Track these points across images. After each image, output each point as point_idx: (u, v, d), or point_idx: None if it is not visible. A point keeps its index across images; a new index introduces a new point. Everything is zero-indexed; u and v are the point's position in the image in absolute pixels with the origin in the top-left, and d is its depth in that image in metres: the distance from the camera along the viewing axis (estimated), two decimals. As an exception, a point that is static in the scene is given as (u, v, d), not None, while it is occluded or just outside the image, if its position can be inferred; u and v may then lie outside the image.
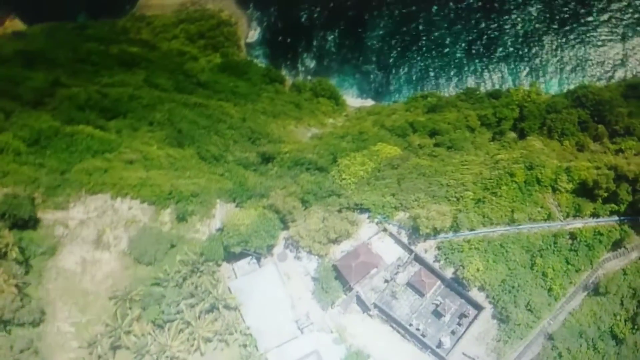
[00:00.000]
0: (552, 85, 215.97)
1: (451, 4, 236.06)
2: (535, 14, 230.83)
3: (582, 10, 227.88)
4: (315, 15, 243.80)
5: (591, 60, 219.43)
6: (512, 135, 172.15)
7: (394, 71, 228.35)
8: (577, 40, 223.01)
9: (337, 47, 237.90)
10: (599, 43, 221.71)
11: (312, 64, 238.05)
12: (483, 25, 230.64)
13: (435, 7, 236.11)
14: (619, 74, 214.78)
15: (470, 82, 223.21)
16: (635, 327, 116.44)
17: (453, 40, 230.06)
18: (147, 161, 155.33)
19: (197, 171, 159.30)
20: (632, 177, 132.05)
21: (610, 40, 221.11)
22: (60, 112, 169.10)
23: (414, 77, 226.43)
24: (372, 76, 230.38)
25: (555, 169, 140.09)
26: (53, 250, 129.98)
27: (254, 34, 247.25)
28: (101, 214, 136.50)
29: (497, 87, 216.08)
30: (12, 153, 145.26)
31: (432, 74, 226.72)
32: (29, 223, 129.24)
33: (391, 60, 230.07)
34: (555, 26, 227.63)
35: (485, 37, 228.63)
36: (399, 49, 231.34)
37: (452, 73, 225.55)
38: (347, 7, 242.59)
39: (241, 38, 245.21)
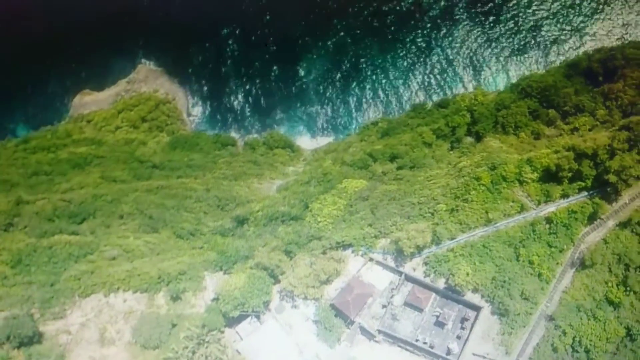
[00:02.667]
0: (499, 80, 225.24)
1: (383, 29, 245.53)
2: (462, 17, 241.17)
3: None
4: (248, 71, 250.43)
5: (529, 45, 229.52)
6: (469, 140, 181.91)
7: (338, 106, 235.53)
8: (509, 29, 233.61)
9: (277, 96, 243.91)
10: (531, 26, 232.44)
11: (257, 119, 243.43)
12: (419, 40, 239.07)
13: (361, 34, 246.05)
14: (559, 55, 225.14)
15: (418, 97, 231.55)
16: (628, 288, 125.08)
17: (391, 61, 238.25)
18: (129, 253, 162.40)
19: (177, 250, 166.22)
20: (591, 153, 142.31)
21: (542, 21, 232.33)
22: (32, 229, 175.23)
23: (359, 106, 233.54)
24: (318, 115, 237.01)
25: (517, 163, 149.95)
26: (62, 358, 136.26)
27: (194, 105, 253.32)
28: (98, 313, 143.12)
29: (443, 96, 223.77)
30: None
31: (376, 99, 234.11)
32: (34, 338, 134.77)
33: (333, 95, 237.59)
34: (483, 20, 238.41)
35: (421, 51, 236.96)
36: (338, 82, 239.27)
37: (396, 93, 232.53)
38: (276, 56, 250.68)
39: (182, 112, 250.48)
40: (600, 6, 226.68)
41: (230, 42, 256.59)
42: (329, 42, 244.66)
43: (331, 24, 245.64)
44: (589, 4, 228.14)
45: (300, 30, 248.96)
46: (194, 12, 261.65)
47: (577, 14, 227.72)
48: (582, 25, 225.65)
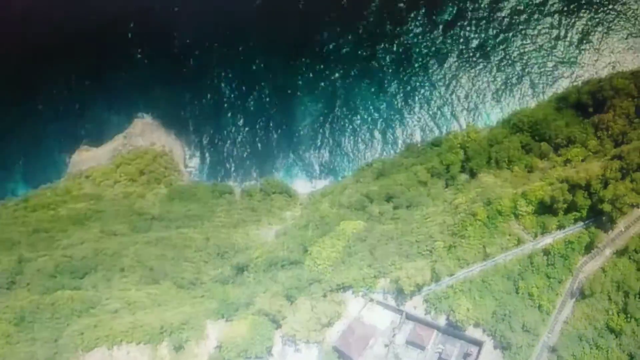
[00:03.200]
0: (491, 117, 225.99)
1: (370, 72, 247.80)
2: (450, 56, 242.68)
3: (491, 33, 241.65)
4: (243, 120, 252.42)
5: (517, 80, 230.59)
6: (464, 176, 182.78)
7: (333, 149, 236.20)
8: (498, 65, 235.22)
9: (273, 143, 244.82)
10: (519, 60, 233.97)
11: (253, 166, 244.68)
12: (410, 80, 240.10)
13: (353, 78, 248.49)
14: (548, 87, 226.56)
15: (411, 137, 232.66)
16: (629, 315, 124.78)
17: (383, 103, 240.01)
18: (130, 305, 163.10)
19: (179, 300, 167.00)
20: (584, 183, 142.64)
21: (529, 55, 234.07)
22: (34, 286, 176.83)
23: (353, 149, 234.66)
24: (314, 160, 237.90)
25: (512, 197, 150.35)
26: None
27: (190, 156, 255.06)
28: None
29: (436, 135, 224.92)
30: (2, 337, 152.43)
31: (370, 140, 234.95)
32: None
33: (327, 139, 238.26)
34: (472, 56, 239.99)
35: (412, 92, 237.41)
36: (332, 126, 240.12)
37: (389, 134, 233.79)
38: (270, 103, 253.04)
39: (179, 163, 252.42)
40: (586, 37, 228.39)
41: (223, 92, 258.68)
42: (322, 86, 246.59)
43: (324, 67, 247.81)
44: (575, 35, 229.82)
45: (293, 75, 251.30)
46: (188, 63, 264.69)
47: (563, 46, 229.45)
48: (569, 56, 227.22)
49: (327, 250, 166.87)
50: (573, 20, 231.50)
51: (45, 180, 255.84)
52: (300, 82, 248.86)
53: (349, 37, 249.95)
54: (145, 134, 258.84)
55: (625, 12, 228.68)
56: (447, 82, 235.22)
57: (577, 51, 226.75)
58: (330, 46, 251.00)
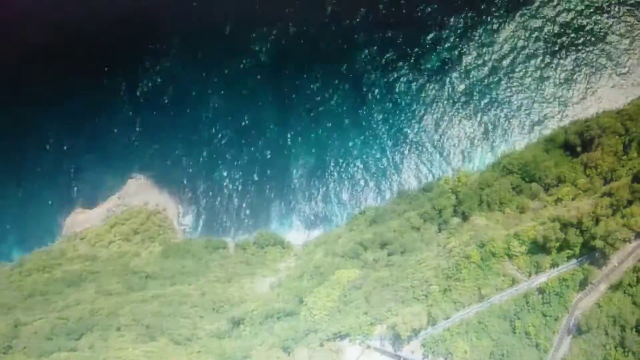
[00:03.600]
0: (480, 161, 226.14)
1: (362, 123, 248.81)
2: (435, 100, 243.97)
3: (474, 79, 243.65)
4: (234, 175, 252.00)
5: (504, 122, 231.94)
6: (456, 220, 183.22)
7: (325, 198, 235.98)
8: (484, 108, 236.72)
9: (265, 196, 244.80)
10: (505, 102, 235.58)
11: (246, 220, 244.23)
12: (402, 128, 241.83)
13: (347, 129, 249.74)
14: (534, 127, 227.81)
15: (402, 184, 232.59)
16: (626, 349, 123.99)
17: (373, 151, 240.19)
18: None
19: (176, 357, 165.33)
20: (576, 221, 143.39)
21: (515, 96, 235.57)
22: (31, 349, 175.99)
23: (346, 197, 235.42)
24: (306, 210, 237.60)
25: (504, 238, 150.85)
26: None
27: (184, 213, 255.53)
28: None
29: (427, 180, 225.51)
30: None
31: (361, 188, 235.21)
32: None
33: (319, 189, 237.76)
34: (456, 100, 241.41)
35: (405, 139, 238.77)
36: (323, 176, 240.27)
37: (380, 182, 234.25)
38: (260, 157, 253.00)
39: (173, 220, 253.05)
40: (571, 77, 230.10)
41: (216, 147, 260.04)
42: (313, 137, 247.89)
43: (315, 119, 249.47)
44: (560, 76, 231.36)
45: (285, 127, 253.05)
46: (180, 118, 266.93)
47: (549, 87, 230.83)
48: (555, 97, 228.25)
49: (323, 299, 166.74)
50: (557, 62, 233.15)
51: (40, 243, 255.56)
52: (291, 134, 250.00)
53: (339, 88, 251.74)
54: (139, 193, 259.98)
55: (608, 51, 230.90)
56: (435, 128, 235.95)
57: (563, 91, 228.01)
58: (320, 97, 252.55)
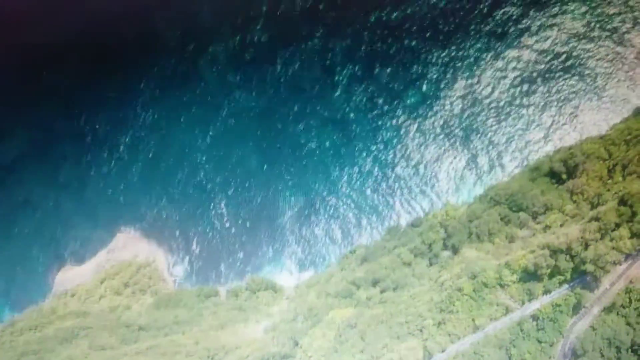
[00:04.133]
0: (467, 194, 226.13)
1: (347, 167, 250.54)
2: (416, 133, 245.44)
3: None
4: (221, 222, 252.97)
5: (490, 154, 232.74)
6: (446, 253, 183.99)
7: (315, 240, 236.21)
8: (469, 140, 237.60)
9: (255, 241, 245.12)
10: (486, 132, 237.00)
11: (237, 266, 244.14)
12: (387, 165, 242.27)
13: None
14: (518, 154, 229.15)
15: (391, 220, 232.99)
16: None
17: (359, 189, 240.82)
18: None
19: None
20: (565, 247, 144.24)
21: (495, 127, 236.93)
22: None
23: (335, 237, 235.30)
24: (297, 252, 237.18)
25: (496, 269, 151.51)
26: None
27: (174, 263, 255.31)
28: None
29: (415, 215, 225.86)
30: None
31: (350, 227, 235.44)
32: None
33: (309, 231, 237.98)
34: (442, 135, 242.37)
35: (391, 176, 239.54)
36: (311, 218, 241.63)
37: (369, 220, 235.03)
38: (250, 201, 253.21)
39: (164, 271, 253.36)
40: (552, 105, 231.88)
41: (202, 195, 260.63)
42: (302, 178, 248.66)
43: (303, 159, 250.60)
44: (540, 104, 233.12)
45: (274, 169, 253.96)
46: (165, 164, 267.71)
47: (530, 116, 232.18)
48: (537, 126, 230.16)
49: (318, 340, 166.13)
50: (536, 90, 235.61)
51: (31, 302, 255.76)
52: (278, 176, 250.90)
53: (323, 127, 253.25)
54: (128, 246, 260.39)
55: (586, 75, 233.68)
56: (421, 162, 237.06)
57: (545, 120, 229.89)
58: (305, 138, 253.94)
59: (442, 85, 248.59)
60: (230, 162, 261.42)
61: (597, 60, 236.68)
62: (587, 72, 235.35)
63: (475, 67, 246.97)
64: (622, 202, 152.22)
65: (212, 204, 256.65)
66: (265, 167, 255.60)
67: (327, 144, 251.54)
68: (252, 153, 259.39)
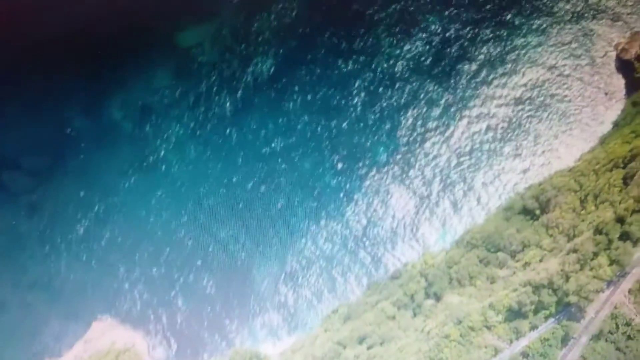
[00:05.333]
0: (443, 241, 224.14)
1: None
2: (391, 188, 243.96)
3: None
4: (200, 297, 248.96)
5: (463, 199, 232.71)
6: (429, 302, 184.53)
7: (296, 303, 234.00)
8: (442, 187, 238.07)
9: (235, 312, 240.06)
10: (459, 178, 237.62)
11: (220, 340, 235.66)
12: (360, 221, 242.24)
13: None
14: (494, 201, 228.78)
15: (370, 275, 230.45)
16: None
17: (339, 247, 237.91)
18: None
19: None
20: (547, 282, 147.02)
21: (468, 170, 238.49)
22: None
23: (316, 298, 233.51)
24: (279, 318, 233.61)
25: (480, 311, 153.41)
26: None
27: (154, 345, 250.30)
28: None
29: (394, 268, 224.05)
30: None
31: (332, 286, 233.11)
32: None
33: (289, 294, 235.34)
34: (414, 184, 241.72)
35: (366, 230, 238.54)
36: (290, 281, 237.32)
37: (350, 277, 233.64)
38: (224, 271, 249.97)
39: (144, 355, 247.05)
40: (519, 144, 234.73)
41: (173, 275, 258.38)
42: (274, 242, 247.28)
43: (273, 223, 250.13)
44: (507, 144, 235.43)
45: (244, 236, 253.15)
46: (129, 258, 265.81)
47: (498, 157, 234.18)
48: (506, 166, 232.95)
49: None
50: (502, 130, 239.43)
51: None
52: (254, 243, 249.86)
53: (296, 193, 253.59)
54: (105, 334, 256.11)
55: (551, 110, 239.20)
56: (393, 214, 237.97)
57: (513, 159, 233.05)
58: (271, 201, 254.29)
59: (409, 139, 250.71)
60: (203, 238, 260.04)
61: (563, 98, 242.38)
62: (553, 109, 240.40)
63: (444, 118, 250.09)
64: (598, 231, 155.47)
65: (186, 283, 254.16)
66: (234, 235, 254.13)
67: (296, 206, 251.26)
68: (220, 223, 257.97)
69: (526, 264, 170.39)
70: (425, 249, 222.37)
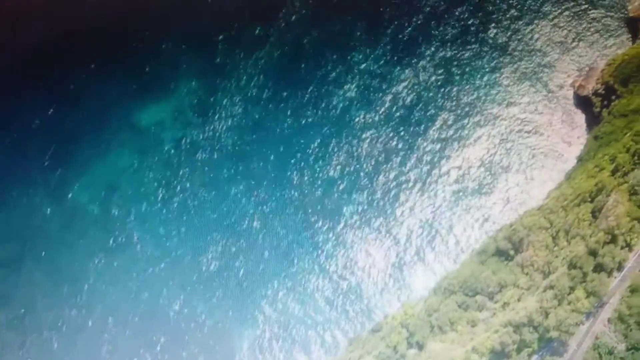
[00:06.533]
0: (422, 288, 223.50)
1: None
2: (361, 237, 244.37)
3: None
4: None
5: (436, 245, 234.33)
6: (412, 352, 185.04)
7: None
8: (411, 234, 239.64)
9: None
10: (428, 221, 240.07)
11: None
12: (336, 276, 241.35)
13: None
14: (467, 246, 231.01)
15: (350, 331, 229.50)
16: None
17: (317, 308, 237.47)
18: None
19: None
20: (527, 320, 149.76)
21: (436, 212, 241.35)
22: None
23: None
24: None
25: (464, 356, 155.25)
26: None
27: None
28: None
29: (374, 321, 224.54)
30: None
31: (311, 345, 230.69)
32: None
33: (268, 355, 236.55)
34: (381, 233, 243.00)
35: (344, 285, 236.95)
36: (267, 343, 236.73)
37: (329, 335, 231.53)
38: (202, 337, 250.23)
39: None
40: (487, 186, 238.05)
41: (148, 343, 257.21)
42: (244, 311, 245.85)
43: (245, 290, 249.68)
44: (474, 186, 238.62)
45: (214, 301, 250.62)
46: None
47: (467, 201, 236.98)
48: (476, 210, 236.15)
49: None
50: (467, 172, 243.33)
51: None
52: (226, 308, 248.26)
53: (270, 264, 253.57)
54: None
55: (515, 150, 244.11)
56: (369, 266, 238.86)
57: (483, 202, 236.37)
58: (244, 263, 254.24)
59: (377, 186, 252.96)
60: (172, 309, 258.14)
61: (526, 136, 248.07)
62: (515, 149, 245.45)
63: (416, 170, 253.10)
64: (572, 265, 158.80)
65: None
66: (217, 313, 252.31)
67: (264, 268, 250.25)
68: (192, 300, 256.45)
69: (505, 305, 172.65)
70: (404, 299, 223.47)
